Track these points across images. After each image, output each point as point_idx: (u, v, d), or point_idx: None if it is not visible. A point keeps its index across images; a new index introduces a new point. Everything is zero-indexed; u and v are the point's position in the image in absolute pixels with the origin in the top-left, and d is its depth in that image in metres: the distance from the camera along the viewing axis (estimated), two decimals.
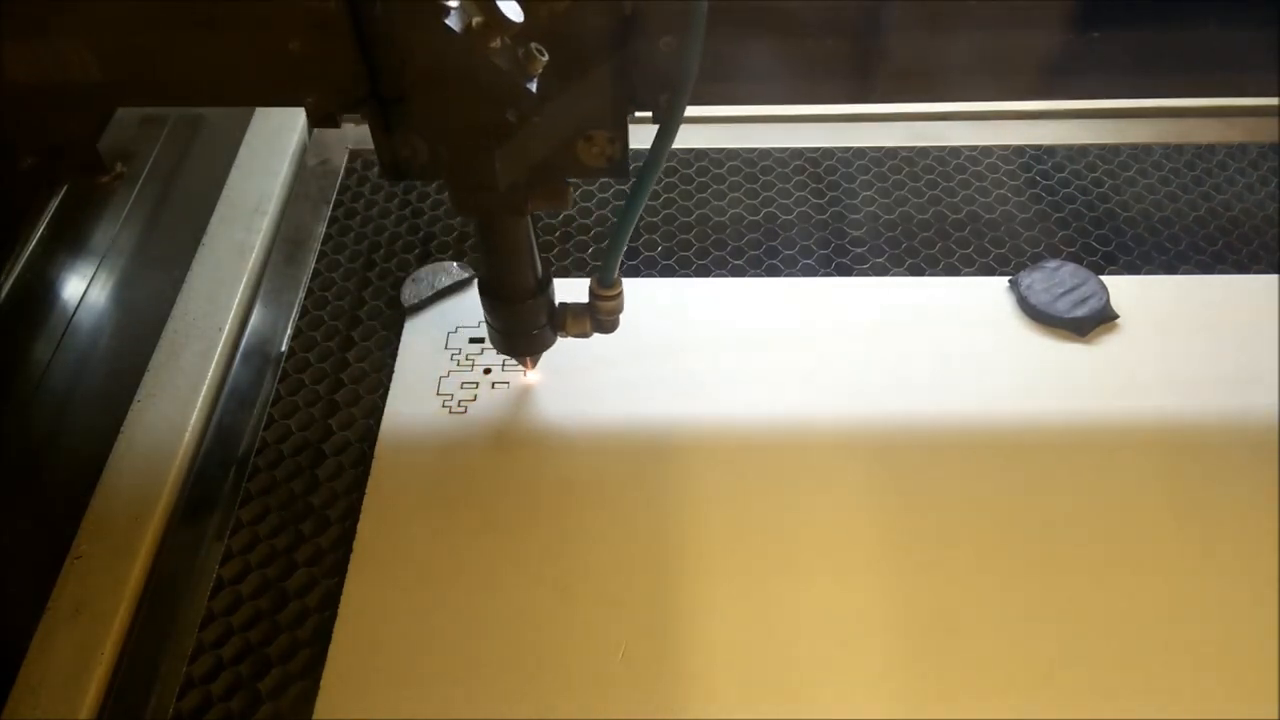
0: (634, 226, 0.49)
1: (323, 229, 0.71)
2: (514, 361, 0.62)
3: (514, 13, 0.39)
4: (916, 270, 0.68)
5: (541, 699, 0.49)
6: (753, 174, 0.74)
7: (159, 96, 0.45)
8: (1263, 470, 0.56)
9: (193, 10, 0.41)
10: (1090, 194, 0.72)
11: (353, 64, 0.41)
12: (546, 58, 0.39)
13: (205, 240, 0.68)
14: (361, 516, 0.56)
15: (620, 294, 0.54)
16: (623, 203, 0.49)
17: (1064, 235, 0.69)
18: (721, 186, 0.73)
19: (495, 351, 0.60)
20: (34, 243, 0.62)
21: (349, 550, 0.54)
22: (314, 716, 0.49)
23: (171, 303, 0.65)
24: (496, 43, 0.39)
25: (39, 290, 0.62)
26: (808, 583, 0.53)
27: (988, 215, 0.71)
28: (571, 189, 0.47)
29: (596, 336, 0.57)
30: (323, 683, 0.50)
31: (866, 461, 0.57)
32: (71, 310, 0.62)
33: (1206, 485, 0.56)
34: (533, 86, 0.40)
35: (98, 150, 0.51)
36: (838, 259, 0.68)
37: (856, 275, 0.67)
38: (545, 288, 0.54)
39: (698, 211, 0.72)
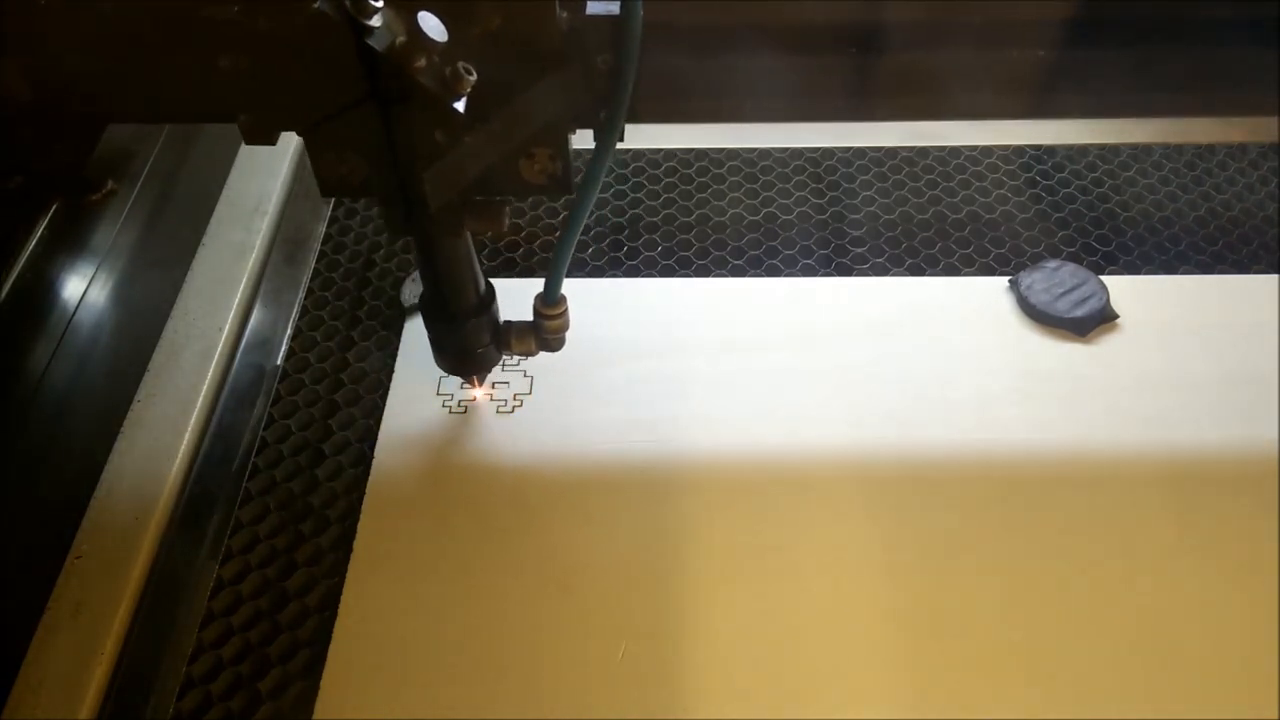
0: (575, 244, 0.49)
1: (323, 229, 0.71)
2: (513, 361, 0.62)
3: (437, 32, 0.38)
4: (916, 270, 0.68)
5: (541, 699, 0.49)
6: (753, 174, 0.74)
7: (91, 115, 0.45)
8: (1263, 471, 0.56)
9: (124, 27, 0.41)
10: (1090, 194, 0.72)
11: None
12: (475, 77, 0.39)
13: (205, 240, 0.68)
14: (361, 516, 0.56)
15: (565, 311, 0.54)
16: (564, 219, 0.48)
17: (1064, 235, 0.69)
18: (721, 186, 0.73)
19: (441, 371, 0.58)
20: (34, 243, 0.62)
21: (349, 550, 0.54)
22: (314, 716, 0.49)
23: (171, 303, 0.65)
24: (421, 61, 0.38)
25: (39, 290, 0.61)
26: (808, 583, 0.53)
27: (988, 215, 0.71)
28: (508, 210, 0.46)
29: (598, 334, 0.57)
30: (323, 683, 0.50)
31: (867, 461, 0.57)
32: (71, 310, 0.62)
33: (1206, 485, 0.56)
34: (460, 106, 0.39)
35: (87, 169, 0.50)
36: (838, 259, 0.68)
37: (856, 275, 0.67)
38: (488, 305, 0.53)
39: (698, 211, 0.72)
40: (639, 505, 0.56)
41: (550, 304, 0.53)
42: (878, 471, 0.57)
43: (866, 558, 0.53)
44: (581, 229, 0.48)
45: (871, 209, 0.71)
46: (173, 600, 0.53)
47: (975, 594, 0.52)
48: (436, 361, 0.57)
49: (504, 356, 0.58)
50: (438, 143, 0.41)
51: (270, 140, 0.42)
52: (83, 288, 0.63)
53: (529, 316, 0.54)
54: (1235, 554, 0.53)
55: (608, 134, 0.43)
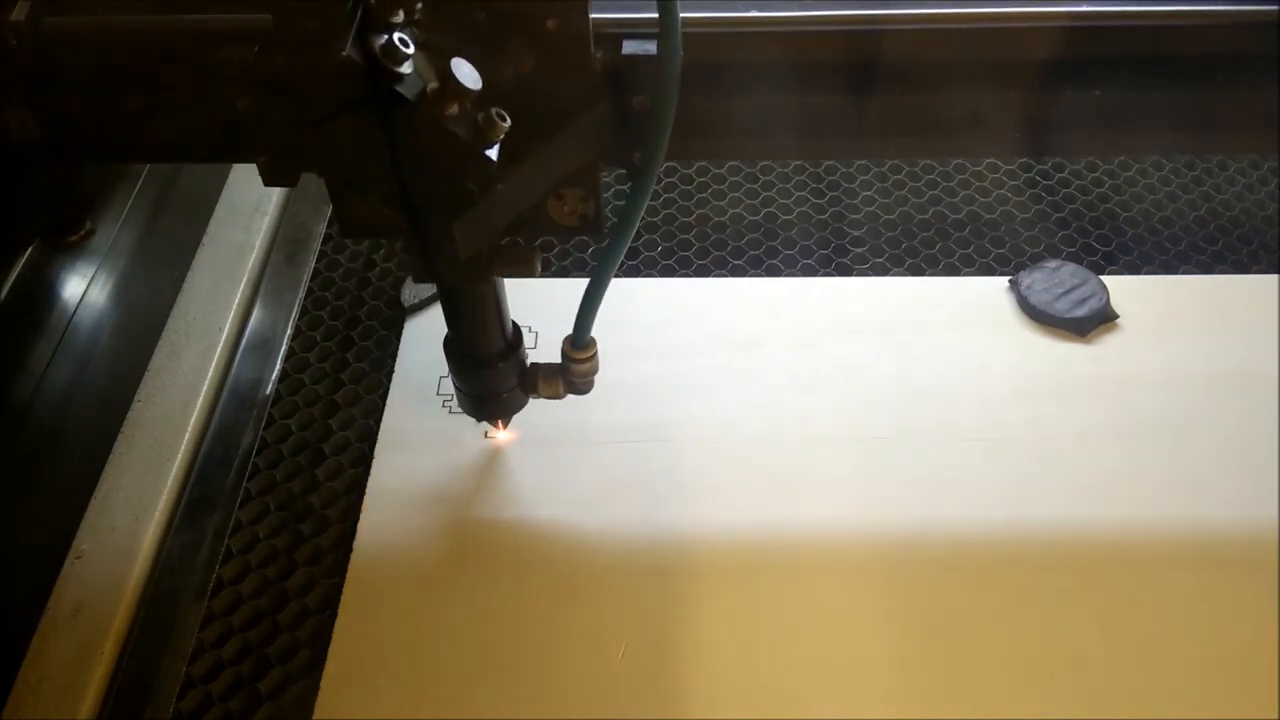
0: (607, 288, 0.47)
1: (323, 229, 0.71)
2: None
3: (471, 79, 0.37)
4: (916, 270, 0.68)
5: (542, 699, 0.49)
6: (753, 174, 0.74)
7: (107, 156, 0.44)
8: (1262, 469, 0.56)
9: (142, 69, 0.40)
10: (1090, 194, 0.72)
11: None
12: (508, 123, 0.37)
13: (205, 240, 0.68)
14: (361, 517, 0.56)
15: (594, 355, 0.52)
16: (597, 263, 0.46)
17: (1064, 235, 0.69)
18: (721, 186, 0.73)
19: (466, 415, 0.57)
20: (34, 243, 0.62)
21: (349, 550, 0.54)
22: (314, 716, 0.49)
23: (171, 303, 0.65)
24: (454, 109, 0.37)
25: (39, 290, 0.62)
26: (808, 583, 0.53)
27: (988, 215, 0.71)
28: (539, 255, 0.45)
29: (598, 334, 0.56)
30: (323, 683, 0.50)
31: (866, 462, 0.57)
32: (71, 310, 0.62)
33: (1206, 484, 0.56)
34: (493, 154, 0.38)
35: (65, 208, 0.50)
36: (838, 259, 0.68)
37: (856, 275, 0.67)
38: (515, 349, 0.52)
39: (698, 211, 0.72)
40: (639, 504, 0.56)
41: (579, 347, 0.51)
42: (877, 471, 0.57)
43: (868, 560, 0.53)
44: (614, 274, 0.46)
45: (871, 209, 0.71)
46: (173, 600, 0.53)
47: (975, 594, 0.52)
48: (460, 404, 0.55)
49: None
50: (469, 191, 0.39)
51: (291, 182, 0.41)
52: (83, 288, 0.63)
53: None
54: (1235, 554, 0.53)
55: (645, 176, 0.42)
